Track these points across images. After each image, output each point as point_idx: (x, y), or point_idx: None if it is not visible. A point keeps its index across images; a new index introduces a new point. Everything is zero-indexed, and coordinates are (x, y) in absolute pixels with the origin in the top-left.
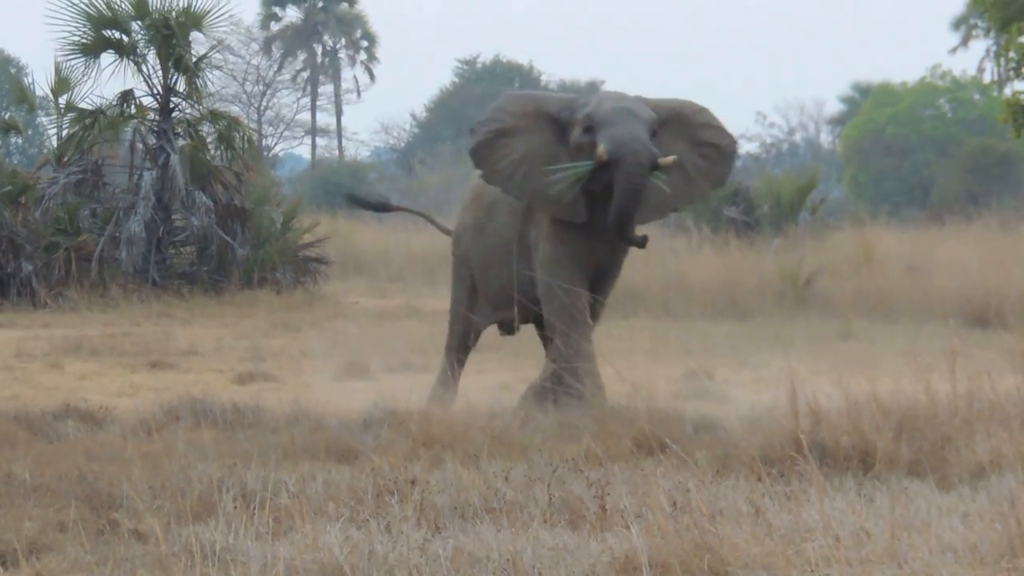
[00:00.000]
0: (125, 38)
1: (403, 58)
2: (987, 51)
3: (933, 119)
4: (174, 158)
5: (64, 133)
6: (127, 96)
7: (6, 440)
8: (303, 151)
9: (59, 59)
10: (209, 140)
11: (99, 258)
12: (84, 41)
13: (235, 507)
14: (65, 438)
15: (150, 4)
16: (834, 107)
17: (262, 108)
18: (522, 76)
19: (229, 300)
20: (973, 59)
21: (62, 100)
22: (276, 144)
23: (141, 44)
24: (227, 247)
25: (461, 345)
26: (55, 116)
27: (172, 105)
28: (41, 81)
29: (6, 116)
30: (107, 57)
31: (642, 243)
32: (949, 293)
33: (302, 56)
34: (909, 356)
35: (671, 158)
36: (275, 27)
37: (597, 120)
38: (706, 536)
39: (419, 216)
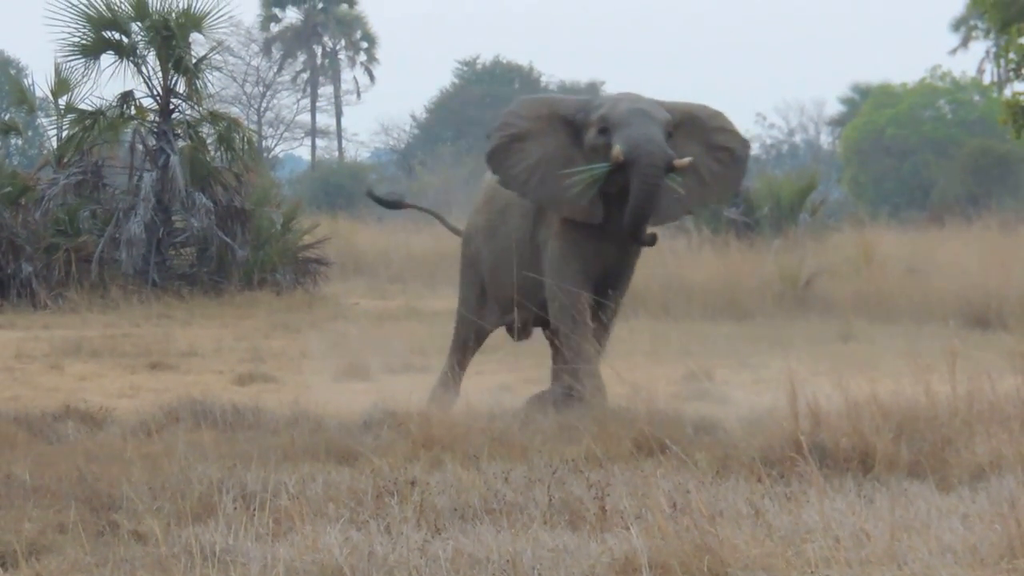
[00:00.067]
0: (125, 39)
1: (403, 59)
2: (987, 52)
3: (933, 120)
4: (174, 159)
5: (64, 134)
6: (127, 97)
7: (6, 441)
8: (303, 152)
9: (59, 60)
10: (209, 141)
11: (99, 259)
12: (84, 42)
13: (235, 508)
14: (65, 439)
15: (150, 5)
16: (834, 108)
17: (262, 109)
18: (522, 77)
19: (229, 301)
20: (973, 60)
21: (62, 101)
22: (276, 145)
23: (141, 45)
24: (227, 248)
25: (466, 347)
26: (55, 117)
27: (172, 106)
28: (41, 82)
29: (6, 117)
30: (107, 58)
31: (652, 241)
32: (949, 294)
33: (302, 57)
34: (909, 357)
35: (686, 160)
36: (275, 28)
37: (612, 121)
38: (706, 537)
39: (430, 214)
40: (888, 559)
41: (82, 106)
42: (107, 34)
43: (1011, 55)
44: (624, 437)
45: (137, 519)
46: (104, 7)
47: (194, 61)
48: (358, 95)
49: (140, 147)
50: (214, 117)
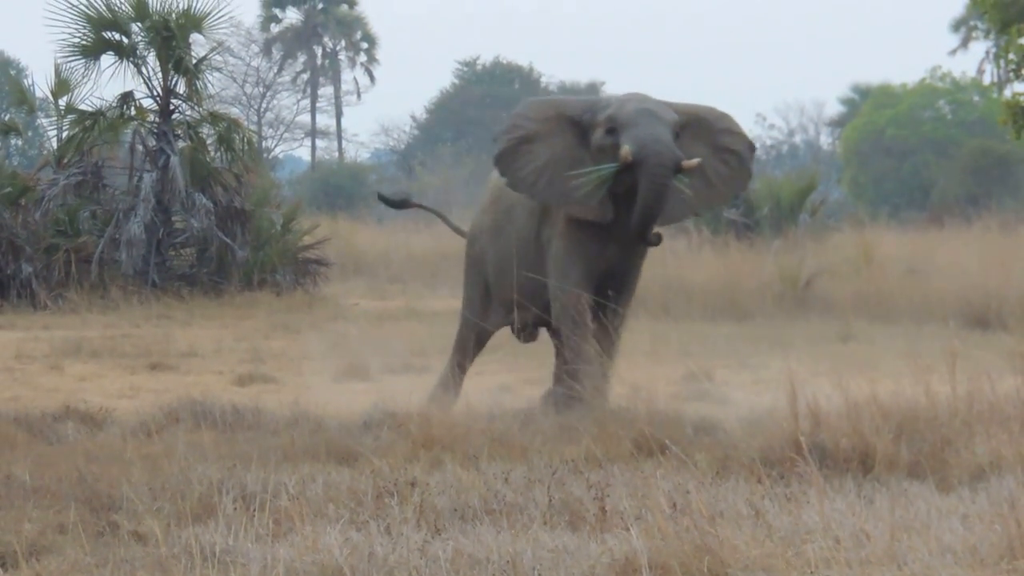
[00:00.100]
0: (125, 40)
1: (403, 60)
2: (987, 53)
3: (933, 121)
4: (174, 160)
5: (64, 135)
6: (127, 98)
7: (6, 442)
8: (303, 153)
9: (59, 61)
10: (209, 142)
11: (99, 260)
12: (84, 43)
13: (235, 509)
14: (65, 440)
15: (150, 6)
16: (834, 109)
17: (262, 110)
18: (522, 77)
19: (229, 302)
20: (973, 61)
21: (62, 102)
22: (276, 146)
23: (141, 46)
24: (227, 249)
25: (469, 348)
26: (55, 118)
27: (172, 107)
28: (41, 83)
29: (6, 118)
30: (107, 59)
31: (657, 241)
32: (949, 295)
33: (302, 58)
34: (909, 358)
35: (695, 161)
36: (275, 29)
37: (620, 121)
38: (706, 538)
39: (435, 214)
40: (888, 559)
41: (82, 107)
42: (107, 35)
43: (1011, 56)
44: (624, 437)
45: (137, 520)
46: (104, 8)
47: (194, 62)
48: (358, 96)
49: (140, 148)
50: (214, 118)
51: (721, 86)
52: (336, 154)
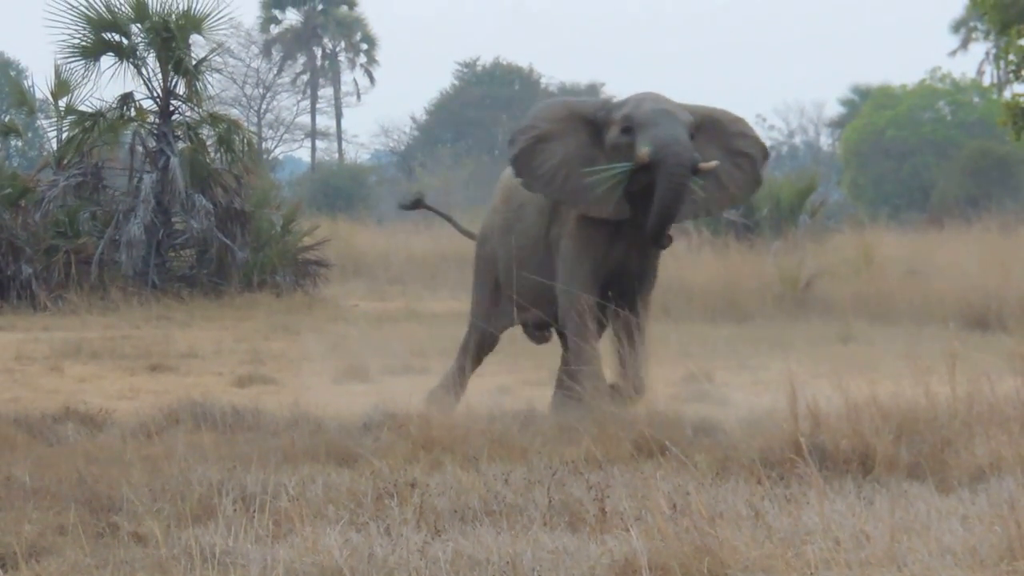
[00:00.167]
0: (125, 41)
1: (403, 61)
2: (987, 54)
3: (933, 122)
4: (174, 161)
5: (64, 136)
6: (127, 99)
7: (6, 443)
8: (303, 154)
9: (59, 62)
10: (209, 143)
11: (99, 261)
12: (84, 44)
13: (235, 510)
14: (65, 441)
15: (150, 7)
16: (834, 110)
17: (262, 111)
18: (522, 79)
19: (229, 303)
20: (973, 62)
21: (62, 103)
22: (276, 147)
23: (141, 47)
24: (227, 250)
25: (477, 350)
26: (55, 119)
27: (172, 108)
28: (41, 84)
29: (6, 119)
30: (107, 60)
31: (667, 243)
32: (949, 296)
33: (302, 59)
34: (909, 359)
35: (712, 163)
36: (275, 30)
37: (637, 121)
38: (706, 539)
39: (443, 217)
40: (888, 561)
41: (82, 108)
42: (107, 36)
43: (1011, 57)
44: (624, 439)
45: (137, 521)
46: (104, 9)
47: (194, 63)
48: (358, 97)
49: (140, 149)
50: (214, 119)
51: (721, 87)
52: (336, 155)
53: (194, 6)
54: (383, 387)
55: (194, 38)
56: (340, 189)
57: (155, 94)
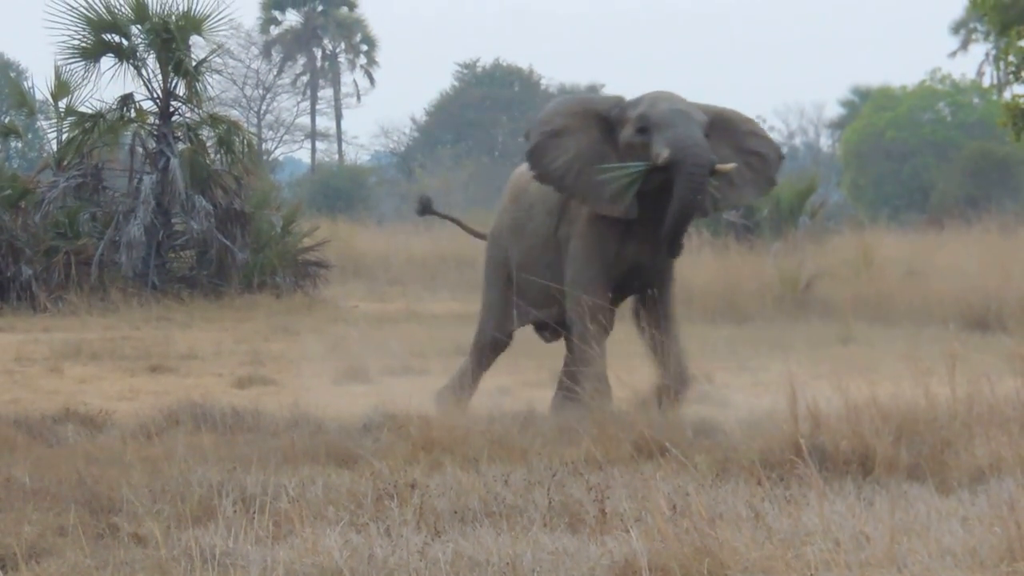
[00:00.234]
0: (125, 42)
1: (403, 62)
2: (987, 55)
3: (933, 123)
4: (174, 162)
5: (64, 137)
6: (127, 100)
7: (6, 444)
8: (303, 155)
9: (59, 63)
10: (209, 144)
11: (99, 262)
12: (84, 45)
13: (235, 511)
14: (65, 442)
15: (150, 8)
16: (834, 111)
17: (262, 112)
18: (522, 80)
19: (229, 304)
20: (973, 63)
21: (62, 104)
22: (276, 148)
23: (141, 48)
24: (227, 251)
25: (488, 351)
26: (55, 120)
27: (172, 109)
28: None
29: (6, 120)
30: (107, 61)
31: (678, 252)
32: (949, 297)
33: (302, 60)
34: (909, 360)
35: (731, 165)
36: (275, 31)
37: (653, 121)
38: (706, 540)
39: (452, 221)
40: (888, 562)
41: (82, 109)
42: (107, 37)
43: (1011, 58)
44: (624, 440)
45: (137, 522)
46: (104, 10)
47: (194, 64)
48: (358, 98)
49: (140, 150)
50: (214, 120)
51: (721, 88)
52: (336, 156)
53: (194, 7)
54: (383, 388)
55: (194, 39)
56: (340, 190)
57: (155, 95)
